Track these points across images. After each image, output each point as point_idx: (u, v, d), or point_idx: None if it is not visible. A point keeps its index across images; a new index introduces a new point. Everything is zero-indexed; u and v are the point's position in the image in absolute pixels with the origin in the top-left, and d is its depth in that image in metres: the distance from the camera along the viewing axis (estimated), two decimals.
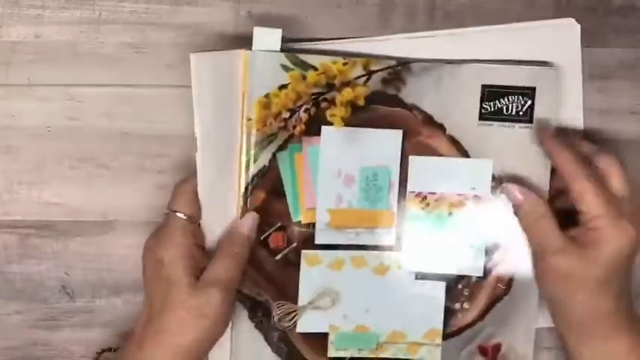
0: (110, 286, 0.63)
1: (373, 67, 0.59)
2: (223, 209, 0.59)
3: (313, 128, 0.59)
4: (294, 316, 0.60)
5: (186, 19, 0.61)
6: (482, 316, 0.61)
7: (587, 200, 0.55)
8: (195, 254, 0.57)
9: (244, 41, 0.58)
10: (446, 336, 0.61)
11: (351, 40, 0.61)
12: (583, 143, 0.59)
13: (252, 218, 0.58)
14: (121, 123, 0.61)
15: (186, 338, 0.55)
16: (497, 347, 0.62)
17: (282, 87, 0.58)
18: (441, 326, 0.61)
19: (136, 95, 0.61)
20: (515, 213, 0.59)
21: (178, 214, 0.57)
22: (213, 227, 0.59)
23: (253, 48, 0.57)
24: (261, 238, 0.59)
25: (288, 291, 0.60)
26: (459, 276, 0.61)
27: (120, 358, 0.57)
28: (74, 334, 0.63)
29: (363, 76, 0.59)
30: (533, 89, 0.60)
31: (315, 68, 0.58)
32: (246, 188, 0.58)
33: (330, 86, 0.59)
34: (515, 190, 0.59)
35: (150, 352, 0.55)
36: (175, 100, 0.61)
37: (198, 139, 0.58)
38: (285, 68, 0.58)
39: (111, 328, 0.63)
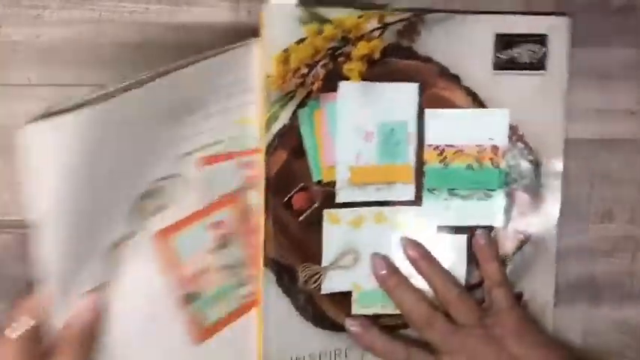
0: None
1: (388, 20, 0.59)
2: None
3: (331, 84, 0.59)
4: (318, 278, 0.60)
5: (186, 19, 0.61)
6: (503, 265, 0.62)
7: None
8: None
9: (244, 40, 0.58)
10: (469, 288, 0.61)
11: None
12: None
13: (80, 311, 0.54)
14: None
15: None
16: (518, 296, 0.62)
17: (300, 42, 0.58)
18: (464, 279, 0.62)
19: None
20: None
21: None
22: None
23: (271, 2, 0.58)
24: (285, 200, 0.59)
25: (312, 252, 0.60)
26: (480, 227, 0.61)
27: None
28: None
29: (378, 29, 0.59)
30: (545, 37, 0.60)
31: (330, 22, 0.58)
32: (268, 148, 0.58)
33: (346, 40, 0.59)
34: None
35: None
36: None
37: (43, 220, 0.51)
38: (302, 22, 0.58)
39: None
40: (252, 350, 0.61)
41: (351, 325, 0.61)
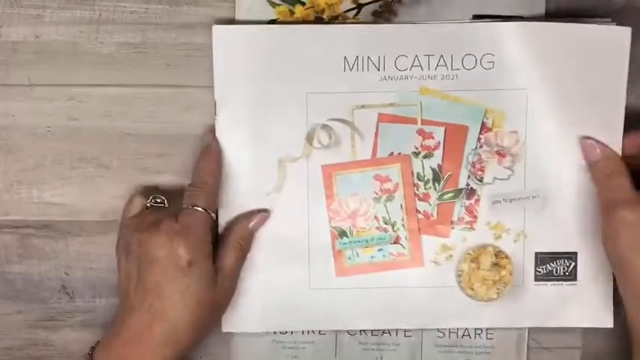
0: (110, 286, 0.63)
1: (363, 0, 0.59)
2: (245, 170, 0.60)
3: None
4: None
5: (186, 19, 0.61)
6: None
7: None
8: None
9: None
10: None
11: None
12: None
13: (261, 216, 0.60)
14: (121, 123, 0.61)
15: (179, 320, 0.55)
16: None
17: (272, 22, 0.58)
18: None
19: (136, 95, 0.61)
20: (590, 167, 0.59)
21: (201, 210, 0.57)
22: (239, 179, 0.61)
23: None
24: None
25: None
26: None
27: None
28: (74, 334, 0.63)
29: (353, 9, 0.59)
30: (520, 17, 0.60)
31: (302, 3, 0.58)
32: None
33: (319, 21, 0.58)
34: (595, 146, 0.59)
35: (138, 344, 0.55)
36: (175, 100, 0.61)
37: (217, 104, 0.59)
38: (272, 4, 0.58)
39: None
40: (383, 304, 0.62)
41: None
